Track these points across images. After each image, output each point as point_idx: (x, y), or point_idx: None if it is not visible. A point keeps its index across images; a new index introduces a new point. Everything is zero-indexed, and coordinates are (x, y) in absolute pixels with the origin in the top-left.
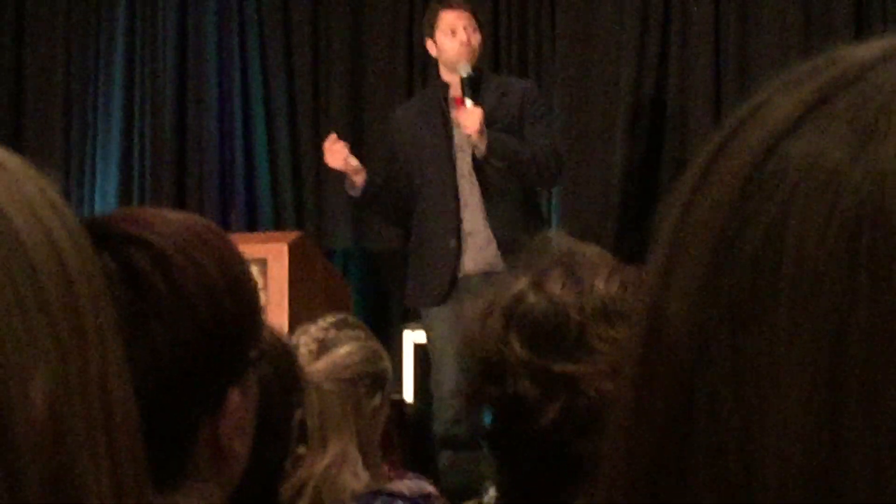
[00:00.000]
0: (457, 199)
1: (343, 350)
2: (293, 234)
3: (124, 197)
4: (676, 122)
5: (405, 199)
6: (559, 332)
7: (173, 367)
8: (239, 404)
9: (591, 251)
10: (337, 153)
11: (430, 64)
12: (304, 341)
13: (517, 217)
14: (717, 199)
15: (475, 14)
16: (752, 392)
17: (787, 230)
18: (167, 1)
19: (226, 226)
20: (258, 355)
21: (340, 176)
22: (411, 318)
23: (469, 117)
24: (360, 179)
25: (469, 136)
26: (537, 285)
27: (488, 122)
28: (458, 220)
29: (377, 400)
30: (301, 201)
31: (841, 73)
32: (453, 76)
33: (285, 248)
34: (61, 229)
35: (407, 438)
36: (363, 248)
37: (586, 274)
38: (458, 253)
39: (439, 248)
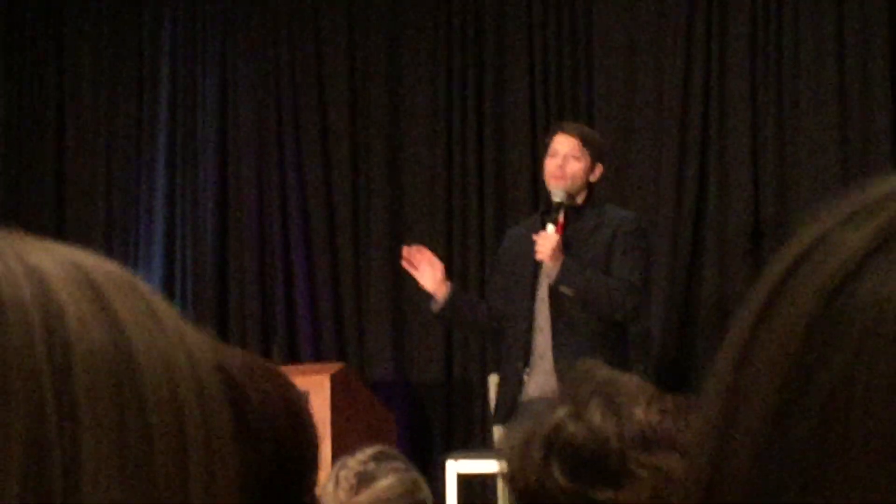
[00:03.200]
0: (530, 322)
1: (384, 483)
2: (335, 366)
3: None
4: (714, 258)
5: (484, 318)
6: (600, 461)
7: (219, 490)
8: None
9: (629, 380)
10: (429, 269)
11: (468, 187)
12: (344, 475)
13: (585, 348)
14: (782, 341)
15: (586, 142)
16: None
17: (854, 383)
18: (206, 133)
19: (267, 358)
20: (313, 500)
21: (381, 307)
22: (454, 448)
23: (543, 242)
24: (440, 294)
25: (542, 260)
26: (577, 414)
27: (572, 249)
28: (529, 344)
29: None
30: (342, 332)
31: None
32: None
33: (327, 380)
34: (189, 387)
35: None
36: (406, 380)
37: (625, 402)
38: (522, 376)
39: (511, 370)
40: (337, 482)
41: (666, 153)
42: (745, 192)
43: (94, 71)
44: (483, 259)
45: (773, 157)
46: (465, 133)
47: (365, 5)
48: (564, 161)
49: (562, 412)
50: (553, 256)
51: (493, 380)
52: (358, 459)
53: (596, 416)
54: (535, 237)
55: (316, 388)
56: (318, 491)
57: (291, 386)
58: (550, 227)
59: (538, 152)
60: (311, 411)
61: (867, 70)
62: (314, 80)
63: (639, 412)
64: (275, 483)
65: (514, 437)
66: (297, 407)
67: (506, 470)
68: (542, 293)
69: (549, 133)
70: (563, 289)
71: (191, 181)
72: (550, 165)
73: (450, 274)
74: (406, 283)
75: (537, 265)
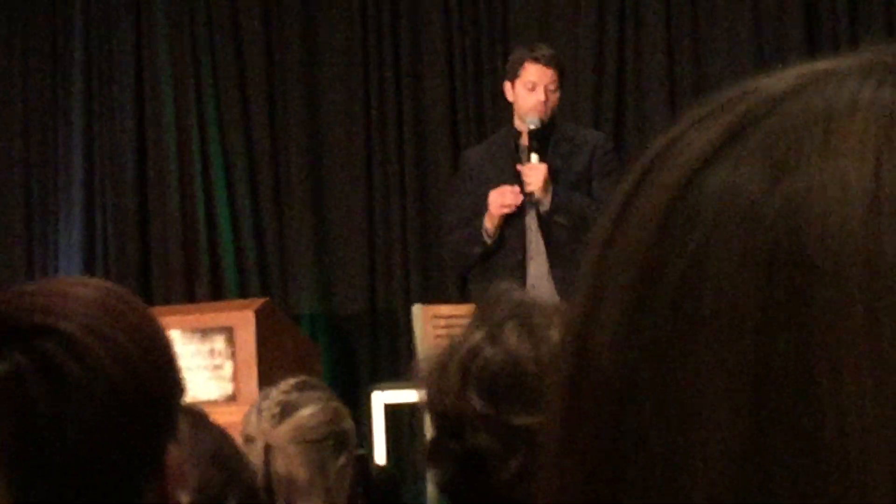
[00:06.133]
0: (524, 250)
1: (306, 412)
2: (259, 301)
3: (88, 270)
4: None
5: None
6: (517, 385)
7: (107, 443)
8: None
9: (544, 301)
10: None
11: (387, 123)
12: (267, 405)
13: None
14: (637, 235)
15: (562, 71)
16: (678, 423)
17: (705, 266)
18: (124, 80)
19: (191, 295)
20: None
21: (304, 240)
22: (380, 379)
23: (532, 174)
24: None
25: (532, 192)
26: (493, 338)
27: (557, 176)
28: (524, 272)
29: (342, 459)
30: (266, 268)
31: (753, 107)
32: (522, 124)
33: (252, 316)
34: None
35: (375, 495)
36: (330, 312)
37: (540, 324)
38: None
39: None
40: (260, 412)
41: (583, 80)
42: (662, 122)
43: (8, 20)
44: (404, 197)
45: (689, 93)
46: (382, 71)
47: None
48: (546, 94)
49: (477, 336)
50: (544, 187)
51: (416, 310)
52: (280, 389)
53: (511, 338)
54: (521, 168)
55: (241, 323)
56: (242, 421)
57: (138, 317)
58: (535, 157)
59: (456, 88)
60: (164, 334)
61: (782, 8)
62: (229, 24)
63: (554, 334)
64: (143, 414)
65: (431, 361)
66: (145, 337)
67: (424, 394)
68: (530, 221)
69: (516, 58)
70: (558, 218)
71: (108, 125)
72: (531, 100)
73: (370, 211)
74: (327, 216)
75: (520, 192)
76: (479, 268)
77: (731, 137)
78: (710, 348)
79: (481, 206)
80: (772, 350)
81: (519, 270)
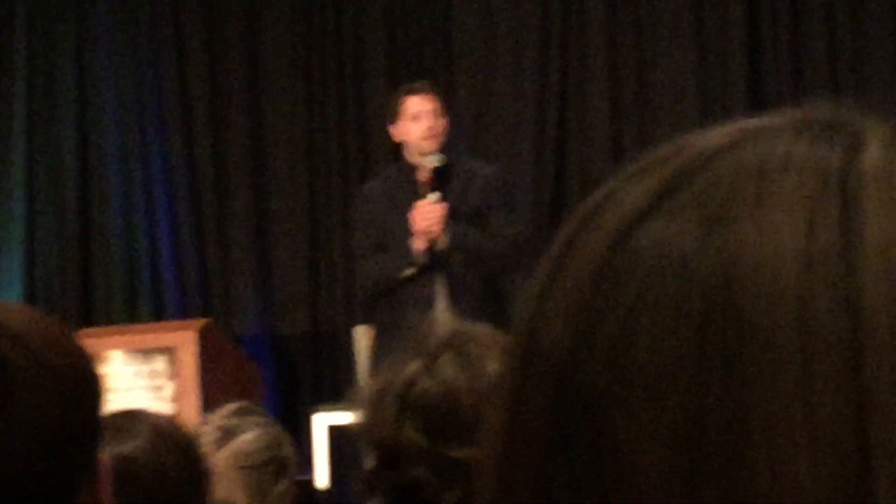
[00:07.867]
0: (430, 286)
1: (246, 437)
2: (201, 322)
3: (29, 290)
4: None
5: None
6: (453, 417)
7: (47, 437)
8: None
9: (481, 331)
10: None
11: (331, 152)
12: (207, 430)
13: (475, 306)
14: (571, 289)
15: (440, 99)
16: (611, 479)
17: (639, 321)
18: (66, 92)
19: (133, 315)
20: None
21: (246, 261)
22: (322, 400)
23: (431, 213)
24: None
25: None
26: (430, 369)
27: (454, 213)
28: (430, 305)
29: (282, 486)
30: (208, 288)
31: (687, 162)
32: (420, 159)
33: (194, 336)
34: None
35: None
36: (272, 333)
37: (477, 355)
38: None
39: (411, 330)
40: (201, 437)
41: (525, 103)
42: (605, 143)
43: None
44: (346, 218)
45: (632, 106)
46: (326, 91)
47: None
48: (434, 121)
49: (414, 366)
50: (443, 227)
51: (358, 331)
52: (220, 415)
53: (448, 370)
54: (418, 208)
55: (183, 344)
56: None
57: (74, 349)
58: (433, 196)
59: None
60: (94, 368)
61: (726, 14)
62: (173, 42)
63: (491, 365)
64: (84, 411)
65: (368, 389)
66: (80, 370)
67: (360, 423)
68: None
69: (393, 100)
70: (455, 256)
71: (50, 145)
72: (419, 129)
73: (313, 231)
74: (270, 236)
75: None
76: (385, 299)
77: (665, 192)
78: (644, 405)
79: (385, 240)
80: (704, 407)
81: (427, 302)
